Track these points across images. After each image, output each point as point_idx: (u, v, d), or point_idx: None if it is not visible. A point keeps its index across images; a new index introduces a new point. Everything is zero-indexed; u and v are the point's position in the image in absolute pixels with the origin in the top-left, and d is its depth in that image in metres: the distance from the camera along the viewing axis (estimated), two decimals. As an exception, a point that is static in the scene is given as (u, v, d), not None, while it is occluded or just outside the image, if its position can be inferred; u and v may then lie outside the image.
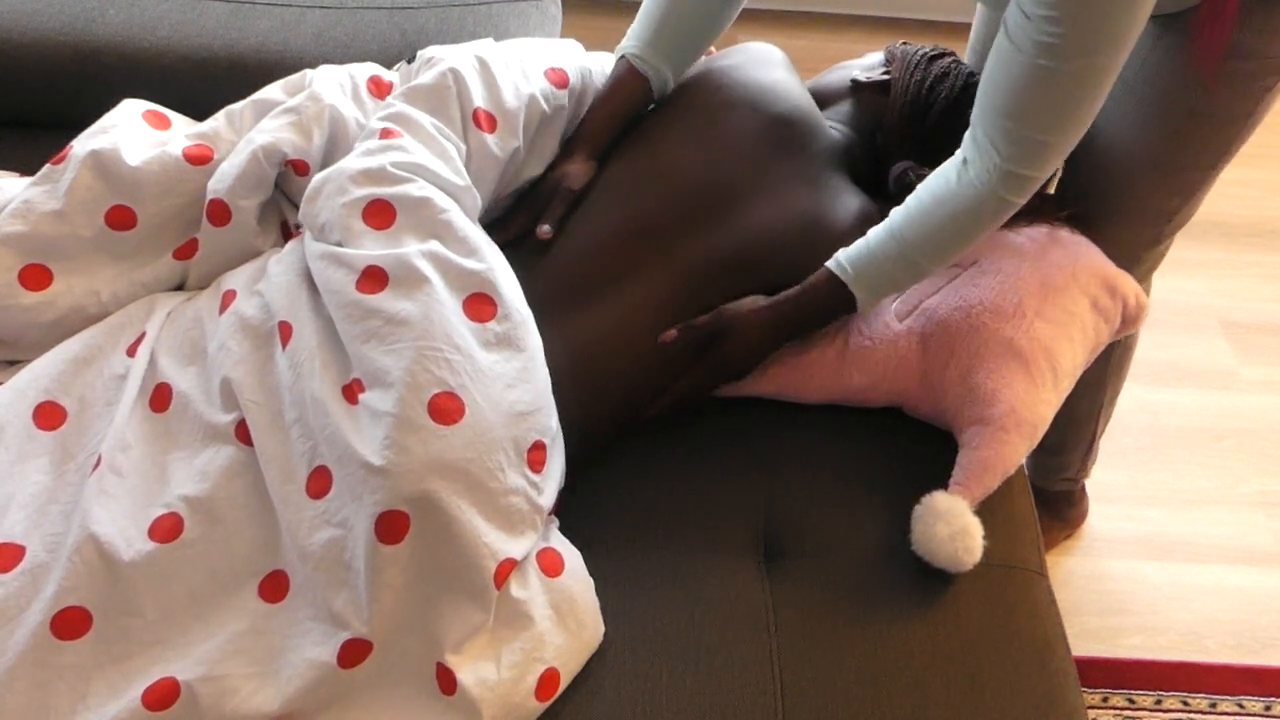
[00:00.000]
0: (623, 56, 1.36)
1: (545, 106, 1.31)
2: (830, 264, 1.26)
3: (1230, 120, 1.31)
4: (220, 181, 1.24)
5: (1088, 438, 1.75)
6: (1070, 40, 1.05)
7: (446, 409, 1.06)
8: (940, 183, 1.20)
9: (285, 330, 1.14)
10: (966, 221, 1.20)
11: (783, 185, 1.32)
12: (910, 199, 1.22)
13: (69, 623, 1.02)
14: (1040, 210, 1.37)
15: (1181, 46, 1.25)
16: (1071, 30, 1.04)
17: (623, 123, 1.36)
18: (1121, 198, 1.40)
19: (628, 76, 1.35)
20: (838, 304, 1.26)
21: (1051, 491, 1.83)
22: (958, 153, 1.20)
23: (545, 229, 1.27)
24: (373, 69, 1.38)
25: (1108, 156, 1.38)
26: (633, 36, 1.36)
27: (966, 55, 1.50)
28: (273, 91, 1.35)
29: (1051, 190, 1.52)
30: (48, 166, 1.26)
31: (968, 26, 1.51)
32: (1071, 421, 1.71)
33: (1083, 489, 1.88)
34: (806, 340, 1.31)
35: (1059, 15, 1.04)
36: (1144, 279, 1.54)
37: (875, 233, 1.24)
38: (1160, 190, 1.39)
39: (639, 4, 1.37)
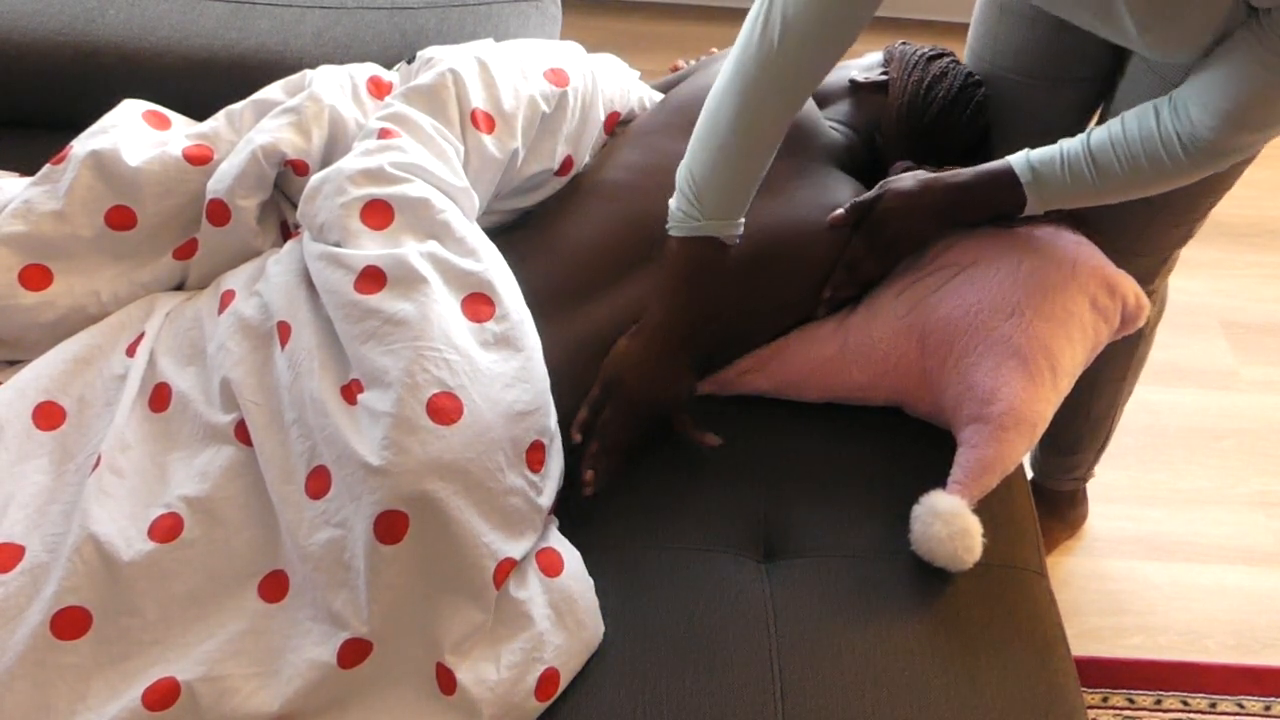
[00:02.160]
0: (703, 236, 1.21)
1: (545, 107, 1.31)
2: (1015, 162, 1.25)
3: None
4: (220, 181, 1.24)
5: (1103, 436, 1.75)
6: None
7: (445, 409, 1.06)
8: (1150, 124, 1.18)
9: (284, 330, 1.14)
10: (1168, 171, 1.19)
11: (782, 183, 1.32)
12: (1116, 129, 1.21)
13: (69, 623, 1.02)
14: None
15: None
16: None
17: None
18: (1166, 197, 1.39)
19: (718, 255, 1.23)
20: (1006, 201, 1.26)
21: (1056, 491, 1.83)
22: (1172, 99, 1.18)
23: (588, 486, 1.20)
24: (373, 69, 1.39)
25: None
26: (710, 211, 1.20)
27: (965, 56, 1.50)
28: (273, 91, 1.35)
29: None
30: (48, 166, 1.26)
31: (967, 26, 1.51)
32: (1090, 419, 1.71)
33: (1084, 490, 1.88)
34: (808, 336, 1.30)
35: None
36: (1162, 280, 1.54)
37: (1070, 146, 1.23)
38: (1205, 185, 1.36)
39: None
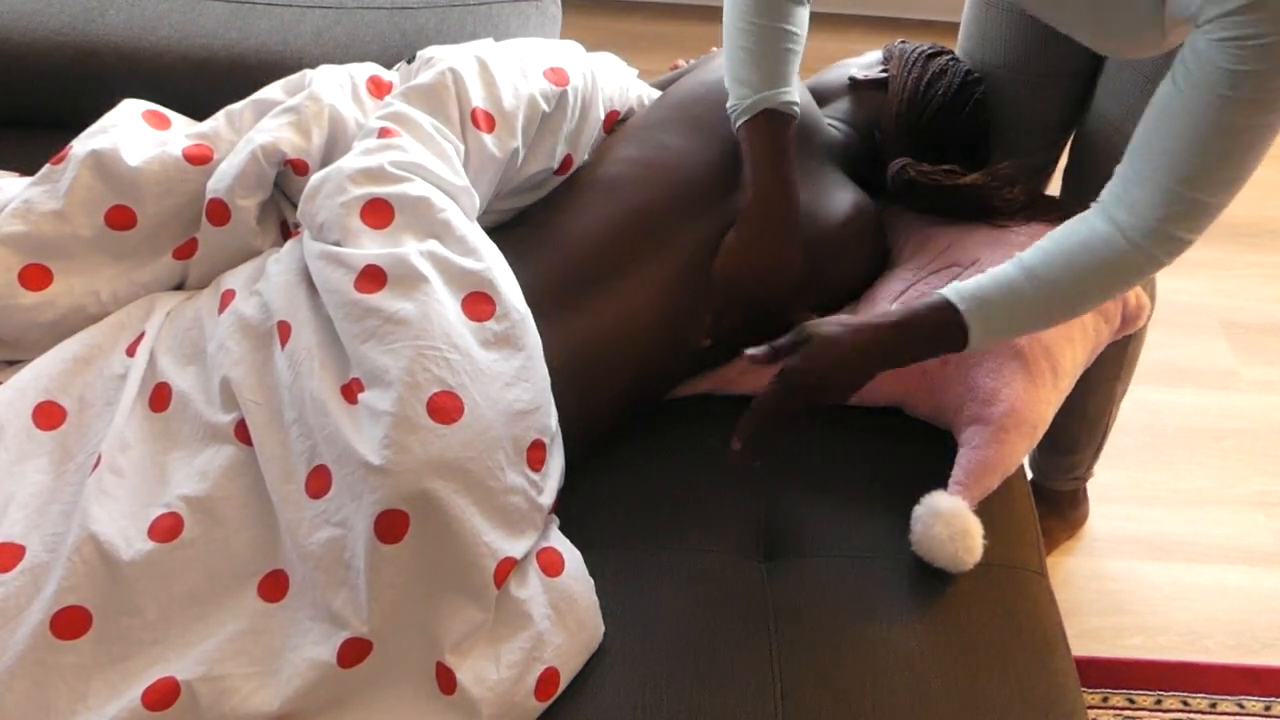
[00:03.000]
0: (760, 111, 1.26)
1: (545, 106, 1.31)
2: (947, 293, 1.15)
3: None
4: (220, 181, 1.24)
5: (1100, 434, 1.75)
6: (1266, 92, 0.99)
7: (445, 408, 1.06)
8: (1085, 230, 1.12)
9: (284, 330, 1.14)
10: (1112, 276, 1.12)
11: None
12: (1048, 243, 1.14)
13: (69, 622, 1.02)
14: (1038, 209, 1.37)
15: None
16: (1272, 83, 0.99)
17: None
18: None
19: (783, 125, 1.27)
20: (947, 338, 1.15)
21: (1057, 491, 1.83)
22: (1100, 202, 1.13)
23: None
24: (373, 69, 1.39)
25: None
26: (761, 84, 1.26)
27: (956, 54, 1.50)
28: (272, 91, 1.35)
29: (1050, 190, 1.53)
30: (48, 166, 1.26)
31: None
32: (1086, 419, 1.71)
33: (1084, 489, 1.88)
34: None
35: (1259, 70, 0.98)
36: (1148, 280, 1.54)
37: (1002, 270, 1.14)
38: None
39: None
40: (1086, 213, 1.14)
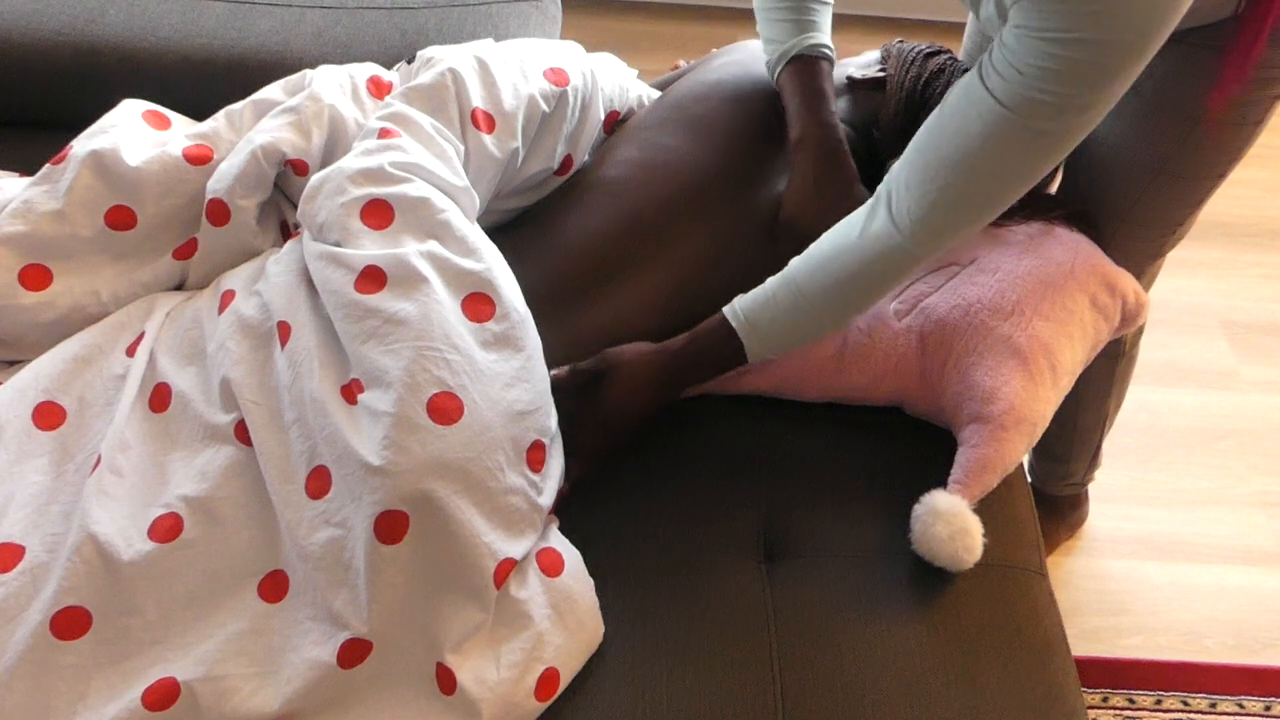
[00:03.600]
0: (791, 58, 1.30)
1: (545, 106, 1.31)
2: (726, 309, 1.19)
3: (1242, 126, 1.30)
4: (220, 181, 1.24)
5: (1092, 447, 1.75)
6: (1069, 97, 0.98)
7: (445, 409, 1.06)
8: (844, 231, 1.14)
9: (284, 330, 1.14)
10: (868, 275, 1.13)
11: (780, 181, 1.32)
12: (812, 247, 1.16)
13: (69, 623, 1.02)
14: (1037, 208, 1.37)
15: (1192, 57, 1.24)
16: (1074, 88, 0.97)
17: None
18: (1129, 207, 1.39)
19: (817, 67, 1.31)
20: (727, 354, 1.19)
21: (1055, 496, 1.83)
22: (864, 205, 1.14)
23: None
24: (373, 69, 1.39)
25: (1115, 164, 1.37)
26: (789, 35, 1.31)
27: (960, 55, 1.50)
28: (272, 91, 1.35)
29: (1053, 189, 1.53)
30: (48, 166, 1.26)
31: (964, 27, 1.51)
32: (1077, 432, 1.71)
33: (1085, 492, 1.88)
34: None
35: (1067, 71, 0.96)
36: (1145, 287, 1.54)
37: (772, 280, 1.17)
38: (1170, 199, 1.38)
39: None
40: (850, 216, 1.15)
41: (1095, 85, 0.98)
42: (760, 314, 1.17)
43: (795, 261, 1.16)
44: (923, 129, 1.09)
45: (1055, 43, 0.96)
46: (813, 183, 1.28)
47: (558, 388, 1.18)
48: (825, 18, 1.34)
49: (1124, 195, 1.38)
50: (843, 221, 1.15)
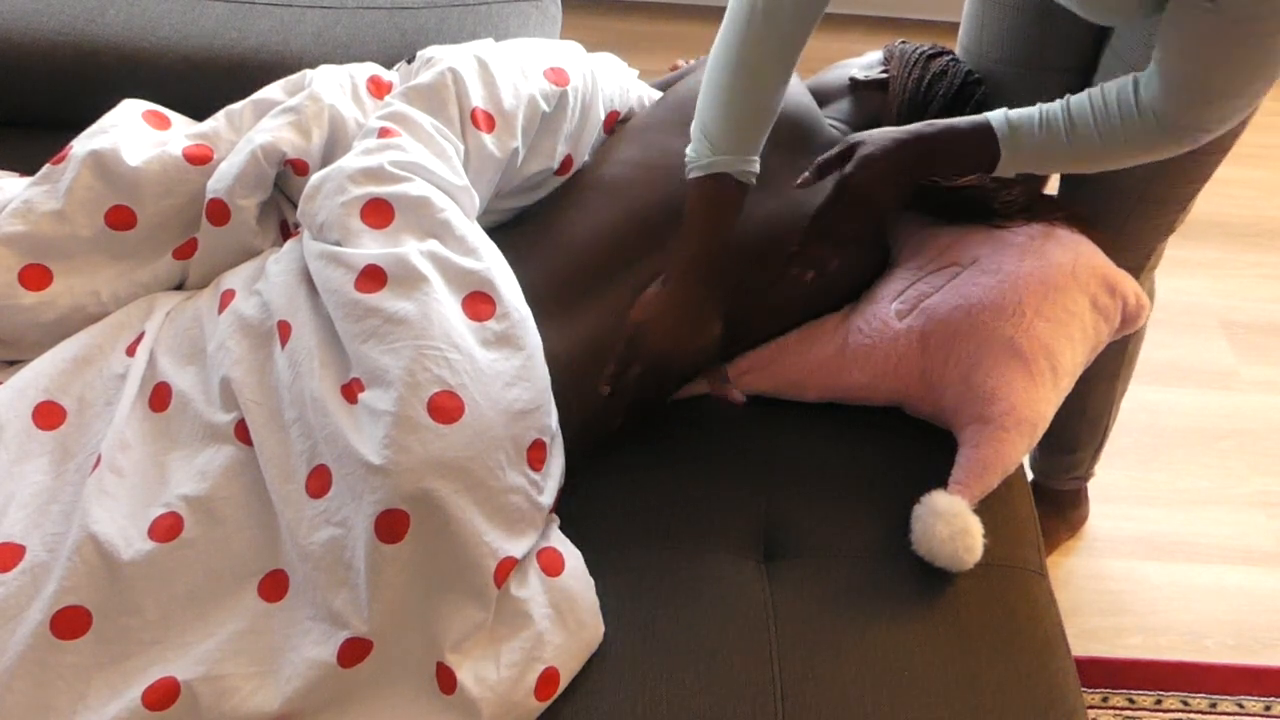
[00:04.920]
0: (716, 173, 1.23)
1: (545, 106, 1.31)
2: (992, 116, 1.21)
3: None
4: (220, 181, 1.24)
5: (1100, 433, 1.75)
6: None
7: (446, 408, 1.06)
8: (1127, 96, 1.17)
9: (284, 329, 1.14)
10: (1139, 148, 1.19)
11: (782, 181, 1.32)
12: (1096, 95, 1.19)
13: (69, 622, 1.02)
14: (1037, 209, 1.37)
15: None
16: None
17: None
18: (1145, 187, 1.40)
19: (734, 193, 1.24)
20: (982, 154, 1.21)
21: (1059, 491, 1.83)
22: (1145, 75, 1.17)
23: (605, 390, 1.24)
24: (373, 69, 1.39)
25: None
26: (729, 148, 1.23)
27: (956, 49, 1.50)
28: (273, 91, 1.35)
29: (1050, 189, 1.53)
30: (48, 166, 1.26)
31: (966, 27, 1.51)
32: (1086, 418, 1.71)
33: (1085, 490, 1.88)
34: (808, 336, 1.30)
35: None
36: (1147, 276, 1.55)
37: (1051, 109, 1.20)
38: (1183, 174, 1.38)
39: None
40: (1140, 75, 1.17)
41: None
42: (1027, 131, 1.19)
43: (1075, 101, 1.20)
44: (1161, 58, 1.13)
45: None
46: (673, 311, 1.23)
47: (812, 183, 1.23)
48: (766, 134, 1.26)
49: (1139, 172, 1.38)
50: (1124, 87, 1.18)
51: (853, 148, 1.22)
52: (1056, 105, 1.21)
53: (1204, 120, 1.15)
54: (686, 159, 1.25)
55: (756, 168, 1.24)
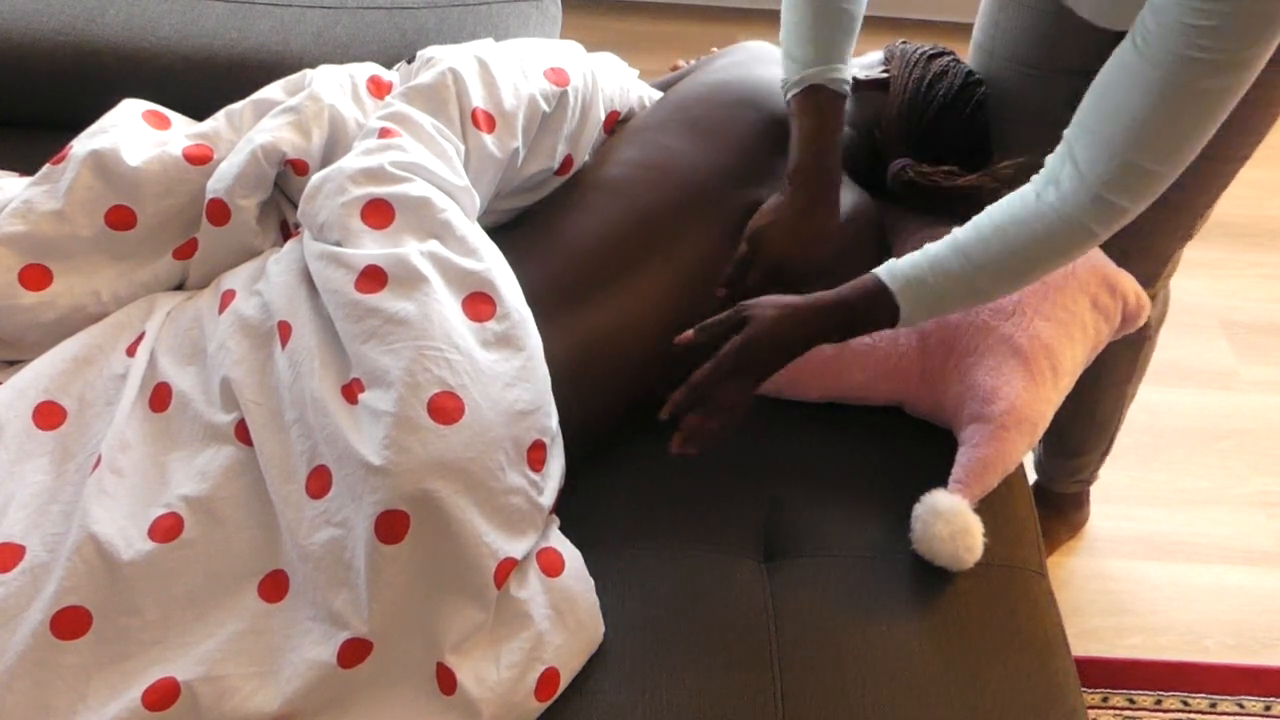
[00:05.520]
0: (808, 86, 1.27)
1: (545, 106, 1.31)
2: (880, 272, 1.16)
3: (1270, 107, 1.28)
4: (220, 181, 1.24)
5: (1108, 438, 1.75)
6: (1227, 53, 0.97)
7: (446, 408, 1.06)
8: (1018, 203, 1.12)
9: (285, 330, 1.14)
10: (1043, 249, 1.11)
11: (781, 181, 1.32)
12: (982, 216, 1.14)
13: (69, 622, 1.02)
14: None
15: None
16: (1233, 43, 0.96)
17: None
18: (1168, 193, 1.38)
19: (830, 101, 1.28)
20: (879, 316, 1.16)
21: (1061, 494, 1.83)
22: (1040, 173, 1.12)
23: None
24: (373, 69, 1.38)
25: None
26: (813, 60, 1.27)
27: (969, 47, 1.50)
28: (273, 91, 1.35)
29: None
30: (48, 166, 1.26)
31: (967, 27, 1.51)
32: (1095, 422, 1.71)
33: (1087, 491, 1.88)
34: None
35: (1220, 26, 0.95)
36: (1163, 284, 1.54)
37: (935, 247, 1.15)
38: (1200, 181, 1.35)
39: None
40: (1025, 186, 1.13)
41: (1255, 38, 0.97)
42: (922, 278, 1.14)
43: (963, 230, 1.15)
44: (1087, 100, 1.08)
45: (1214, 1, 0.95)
46: (793, 215, 1.26)
47: (690, 347, 1.17)
48: (851, 45, 1.31)
49: None
50: (1016, 193, 1.13)
51: (743, 316, 1.16)
52: (944, 242, 1.15)
53: (1117, 193, 1.07)
54: (781, 88, 1.31)
55: (847, 75, 1.29)
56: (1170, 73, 1.00)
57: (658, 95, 1.48)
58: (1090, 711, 1.68)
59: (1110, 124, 1.05)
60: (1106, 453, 1.79)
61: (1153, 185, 1.08)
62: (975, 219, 1.14)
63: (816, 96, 1.28)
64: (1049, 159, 1.12)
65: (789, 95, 1.30)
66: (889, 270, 1.16)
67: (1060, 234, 1.10)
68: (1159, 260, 1.46)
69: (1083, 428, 1.71)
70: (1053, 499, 1.82)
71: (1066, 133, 1.10)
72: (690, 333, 1.18)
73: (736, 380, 1.16)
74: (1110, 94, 1.05)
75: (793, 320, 1.16)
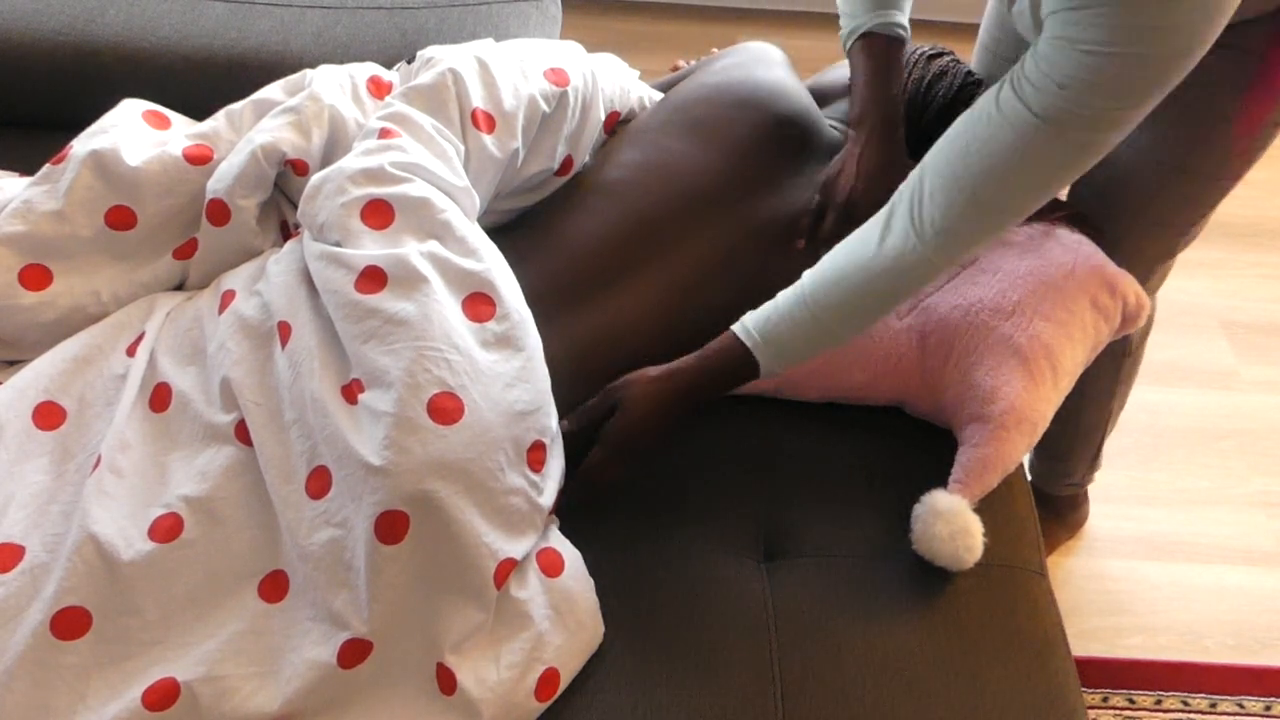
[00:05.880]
0: (863, 34, 1.31)
1: (545, 106, 1.31)
2: (735, 327, 1.18)
3: (1266, 125, 1.28)
4: (220, 181, 1.24)
5: (1094, 447, 1.75)
6: (1108, 110, 0.98)
7: (446, 409, 1.06)
8: (859, 243, 1.13)
9: (284, 330, 1.14)
10: (887, 285, 1.12)
11: (782, 183, 1.32)
12: (824, 260, 1.15)
13: (69, 623, 1.02)
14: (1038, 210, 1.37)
15: (1220, 57, 1.23)
16: (1114, 100, 0.97)
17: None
18: (1145, 204, 1.38)
19: (886, 47, 1.31)
20: (741, 371, 1.17)
21: (1056, 497, 1.83)
22: (879, 213, 1.13)
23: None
24: (373, 69, 1.38)
25: (1132, 162, 1.34)
26: (859, 12, 1.31)
27: (975, 52, 1.50)
28: (273, 91, 1.35)
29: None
30: (48, 166, 1.26)
31: (967, 26, 1.51)
32: (1079, 431, 1.71)
33: (1085, 492, 1.88)
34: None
35: (1099, 83, 0.96)
36: (1152, 292, 1.54)
37: (784, 296, 1.16)
38: (1186, 198, 1.36)
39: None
40: (865, 225, 1.14)
41: (1135, 98, 0.98)
42: (774, 329, 1.15)
43: (808, 275, 1.15)
44: (946, 139, 1.08)
45: (1097, 56, 0.95)
46: (861, 157, 1.29)
47: (568, 436, 1.18)
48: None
49: (1140, 192, 1.37)
50: (855, 234, 1.14)
51: (611, 402, 1.18)
52: (791, 290, 1.16)
53: (965, 237, 1.08)
54: (840, 39, 1.34)
55: (902, 19, 1.31)
56: (1047, 121, 1.00)
57: (658, 96, 1.48)
58: (1090, 711, 1.68)
59: (971, 160, 1.05)
60: (1095, 461, 1.78)
61: (1001, 223, 1.10)
62: (819, 265, 1.15)
63: (871, 43, 1.31)
64: (895, 195, 1.12)
65: (847, 47, 1.34)
66: (744, 324, 1.17)
67: (905, 271, 1.11)
68: (1138, 273, 1.45)
69: (1069, 436, 1.71)
70: (1048, 501, 1.82)
71: (913, 174, 1.10)
72: (567, 423, 1.19)
73: (614, 459, 1.18)
74: (977, 131, 1.05)
75: (660, 395, 1.18)
